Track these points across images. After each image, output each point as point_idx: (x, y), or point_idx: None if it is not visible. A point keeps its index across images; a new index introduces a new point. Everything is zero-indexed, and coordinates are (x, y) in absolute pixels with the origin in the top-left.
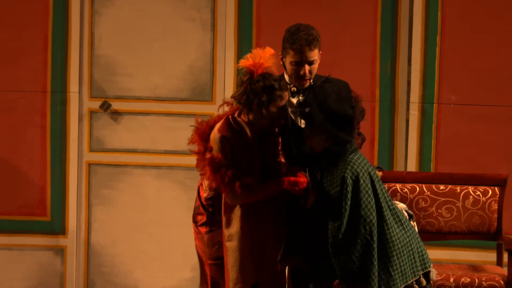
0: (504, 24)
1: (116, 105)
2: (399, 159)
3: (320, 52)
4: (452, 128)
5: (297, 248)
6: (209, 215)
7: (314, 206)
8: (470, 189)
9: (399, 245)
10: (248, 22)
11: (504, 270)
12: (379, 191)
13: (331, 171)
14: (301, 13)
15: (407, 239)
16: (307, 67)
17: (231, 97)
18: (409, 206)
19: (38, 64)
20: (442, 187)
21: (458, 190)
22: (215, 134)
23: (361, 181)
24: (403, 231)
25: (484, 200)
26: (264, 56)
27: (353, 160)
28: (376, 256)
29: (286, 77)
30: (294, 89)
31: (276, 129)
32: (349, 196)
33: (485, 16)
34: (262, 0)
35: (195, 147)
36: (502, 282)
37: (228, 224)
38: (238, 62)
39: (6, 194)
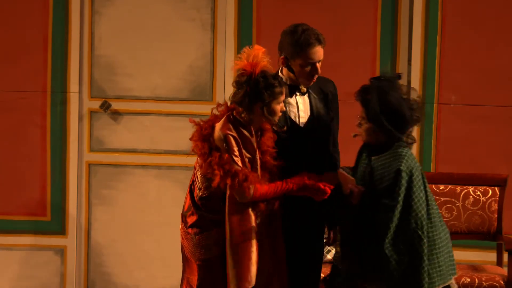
0: (504, 24)
1: (116, 105)
2: None
3: None
4: (452, 128)
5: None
6: (201, 215)
7: (361, 202)
8: (470, 189)
9: (440, 245)
10: (248, 22)
11: (504, 270)
12: (428, 188)
13: (382, 164)
14: (301, 13)
15: (446, 240)
16: (318, 65)
17: (232, 102)
18: None
19: (38, 64)
20: (442, 187)
21: (458, 190)
22: (219, 134)
23: (415, 175)
24: (444, 231)
25: (484, 200)
26: (257, 55)
27: (408, 154)
28: (426, 251)
29: (284, 77)
30: (304, 89)
31: (270, 126)
32: (403, 188)
33: (485, 16)
34: (262, 0)
35: (197, 148)
36: (502, 282)
37: (242, 220)
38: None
39: (6, 194)
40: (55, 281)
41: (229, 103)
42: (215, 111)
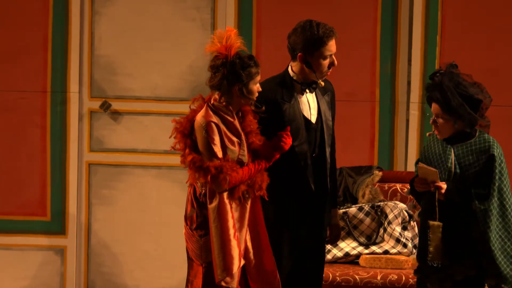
0: (504, 24)
1: (116, 105)
2: (399, 159)
3: None
4: None
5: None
6: (205, 216)
7: (450, 195)
8: None
9: None
10: (248, 22)
11: None
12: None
13: (470, 151)
14: (301, 13)
15: None
16: (334, 57)
17: (210, 86)
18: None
19: (38, 64)
20: None
21: None
22: (200, 122)
23: (504, 159)
24: None
25: None
26: (230, 37)
27: (492, 139)
28: None
29: (294, 74)
30: (322, 83)
31: (252, 108)
32: (498, 174)
33: (485, 16)
34: (262, 0)
35: (177, 146)
36: None
37: (220, 210)
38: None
39: (6, 194)
40: (55, 281)
41: (204, 95)
42: (192, 106)
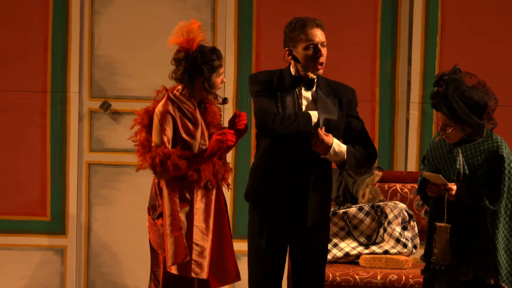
0: (504, 24)
1: (116, 105)
2: (399, 159)
3: None
4: None
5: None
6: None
7: (460, 196)
8: None
9: None
10: (248, 22)
11: None
12: None
13: (478, 151)
14: (301, 13)
15: None
16: (321, 48)
17: (174, 79)
18: (409, 206)
19: (38, 64)
20: None
21: None
22: (157, 111)
23: (511, 158)
24: None
25: None
26: (194, 30)
27: (500, 139)
28: None
29: (293, 70)
30: (312, 76)
31: (220, 99)
32: (508, 175)
33: (485, 16)
34: (262, 0)
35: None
36: None
37: (170, 202)
38: (239, 62)
39: (6, 194)
40: (55, 281)
41: (167, 87)
42: (156, 98)
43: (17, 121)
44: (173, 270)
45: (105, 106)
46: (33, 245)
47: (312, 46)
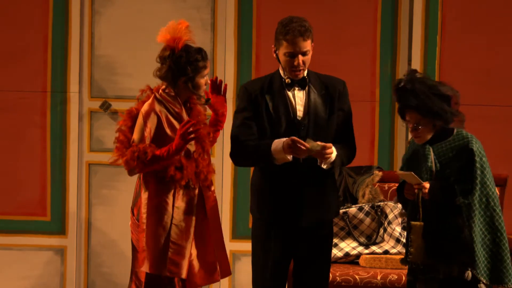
0: (504, 24)
1: (116, 105)
2: (399, 159)
3: (313, 43)
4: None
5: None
6: None
7: (434, 193)
8: None
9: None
10: (248, 22)
11: None
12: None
13: (449, 148)
14: (301, 13)
15: None
16: (300, 57)
17: (158, 77)
18: None
19: (38, 64)
20: None
21: None
22: (143, 110)
23: (484, 154)
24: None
25: None
26: (181, 29)
27: (470, 135)
28: (504, 229)
29: (281, 71)
30: (288, 80)
31: (203, 99)
32: (479, 168)
33: (485, 16)
34: (262, 0)
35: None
36: None
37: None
38: (239, 62)
39: (6, 194)
40: (55, 281)
41: (152, 86)
42: (140, 98)
43: (17, 121)
44: (145, 268)
45: (105, 106)
46: (33, 245)
47: (290, 54)
